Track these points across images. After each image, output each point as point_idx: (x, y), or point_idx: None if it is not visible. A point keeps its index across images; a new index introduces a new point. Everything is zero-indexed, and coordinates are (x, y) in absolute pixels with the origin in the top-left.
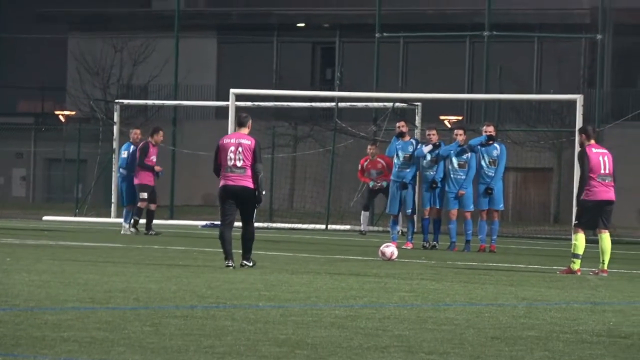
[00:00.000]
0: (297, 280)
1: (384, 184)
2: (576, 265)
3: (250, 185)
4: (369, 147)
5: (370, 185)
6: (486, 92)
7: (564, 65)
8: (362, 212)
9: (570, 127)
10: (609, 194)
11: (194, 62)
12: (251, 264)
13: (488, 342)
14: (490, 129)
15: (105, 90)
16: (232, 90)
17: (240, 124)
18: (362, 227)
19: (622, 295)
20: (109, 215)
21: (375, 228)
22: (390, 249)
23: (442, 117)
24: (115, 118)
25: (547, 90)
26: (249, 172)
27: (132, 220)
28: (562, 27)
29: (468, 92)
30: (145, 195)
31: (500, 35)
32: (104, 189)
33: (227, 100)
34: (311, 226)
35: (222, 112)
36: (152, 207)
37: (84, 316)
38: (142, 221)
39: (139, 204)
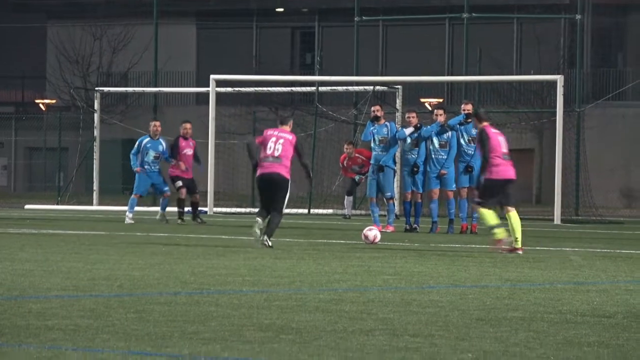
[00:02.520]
0: (281, 265)
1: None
2: (500, 234)
3: (284, 173)
4: (345, 146)
5: (356, 180)
6: (466, 74)
7: (543, 46)
8: (346, 196)
9: (551, 108)
10: (512, 172)
11: (173, 48)
12: (269, 244)
13: (472, 324)
14: (468, 107)
15: (85, 78)
16: (212, 76)
17: (281, 122)
18: (346, 211)
19: (605, 275)
20: (91, 203)
21: (359, 212)
22: (373, 232)
23: (422, 100)
24: (96, 106)
25: (527, 71)
26: (285, 162)
27: (177, 212)
28: (541, 7)
29: (448, 74)
30: (180, 183)
31: (479, 17)
32: (86, 177)
33: (207, 86)
34: (294, 211)
35: (203, 98)
36: (196, 198)
37: (68, 304)
38: (170, 209)
39: (180, 193)
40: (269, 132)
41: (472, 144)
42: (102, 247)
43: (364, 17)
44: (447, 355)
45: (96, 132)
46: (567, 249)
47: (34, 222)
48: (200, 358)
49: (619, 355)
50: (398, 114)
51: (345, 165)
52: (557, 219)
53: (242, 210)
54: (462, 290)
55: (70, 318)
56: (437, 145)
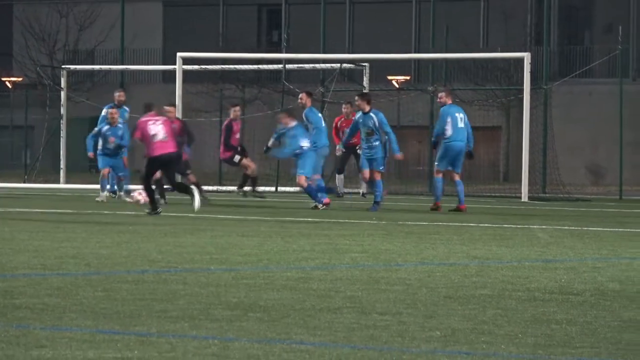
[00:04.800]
0: (248, 243)
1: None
2: None
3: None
4: (343, 106)
5: (337, 147)
6: (433, 52)
7: (510, 23)
8: (337, 175)
9: (518, 85)
10: None
11: (140, 26)
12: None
13: (441, 302)
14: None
15: (51, 56)
16: (179, 54)
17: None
18: (338, 190)
19: (573, 253)
20: (58, 182)
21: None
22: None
23: (389, 77)
24: (62, 84)
25: (495, 49)
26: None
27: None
28: None
29: (415, 52)
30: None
31: None
32: (52, 155)
33: (174, 63)
34: (260, 188)
35: (169, 76)
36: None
37: (35, 283)
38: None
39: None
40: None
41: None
42: (70, 226)
43: None
44: (416, 333)
45: (63, 110)
46: (535, 226)
47: (0, 200)
48: (168, 336)
49: (587, 333)
50: (365, 91)
51: (339, 126)
52: (524, 197)
53: (209, 188)
54: (430, 268)
55: (38, 297)
56: (363, 135)
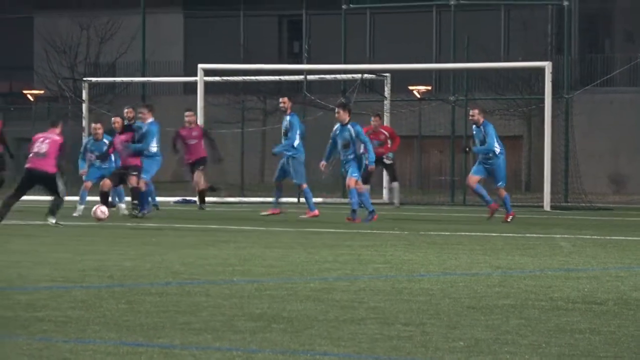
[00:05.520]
0: (271, 254)
1: (390, 155)
2: None
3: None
4: (372, 118)
5: (385, 160)
6: (454, 62)
7: (531, 32)
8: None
9: (539, 95)
10: None
11: (160, 38)
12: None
13: (464, 312)
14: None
15: (72, 68)
16: (200, 66)
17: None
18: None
19: (595, 262)
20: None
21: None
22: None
23: (410, 87)
24: (84, 96)
25: (515, 58)
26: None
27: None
28: None
29: (436, 62)
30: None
31: (466, 4)
32: (75, 167)
33: (195, 75)
34: (283, 199)
35: (191, 88)
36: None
37: (58, 295)
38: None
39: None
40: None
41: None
42: (91, 238)
43: (351, 5)
44: (439, 344)
45: (84, 123)
46: (557, 235)
47: (21, 213)
48: (191, 348)
49: (610, 342)
50: (387, 102)
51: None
52: (546, 206)
53: (232, 199)
54: (453, 278)
55: (61, 309)
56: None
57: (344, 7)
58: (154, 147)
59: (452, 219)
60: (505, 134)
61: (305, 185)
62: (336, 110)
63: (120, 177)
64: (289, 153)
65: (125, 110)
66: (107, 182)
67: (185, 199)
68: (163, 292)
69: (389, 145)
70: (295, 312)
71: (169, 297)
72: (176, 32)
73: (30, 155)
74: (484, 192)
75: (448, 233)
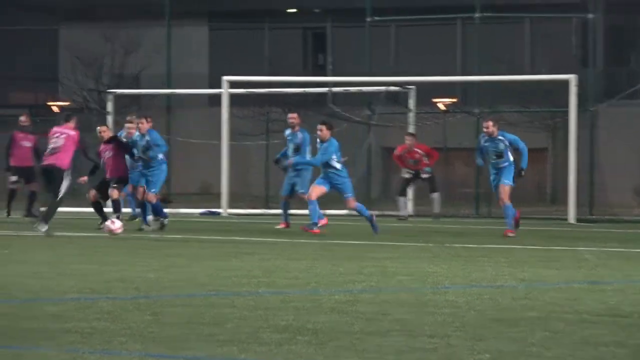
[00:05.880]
0: (296, 266)
1: (427, 169)
2: None
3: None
4: (406, 137)
5: (423, 175)
6: (479, 74)
7: (556, 45)
8: (399, 197)
9: (564, 107)
10: None
11: (185, 50)
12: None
13: (489, 324)
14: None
15: (97, 80)
16: (224, 78)
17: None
18: (400, 212)
19: (621, 274)
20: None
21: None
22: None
23: (435, 100)
24: (109, 108)
25: (540, 71)
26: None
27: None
28: (553, 6)
29: (461, 74)
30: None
31: (491, 17)
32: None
33: (220, 87)
34: (307, 211)
35: (215, 100)
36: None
37: (84, 307)
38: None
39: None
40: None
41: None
42: (115, 249)
43: (375, 18)
44: (464, 356)
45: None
46: (582, 248)
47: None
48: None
49: (636, 355)
50: (411, 114)
51: (402, 157)
52: (571, 218)
53: (256, 211)
54: (478, 291)
55: (87, 321)
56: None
57: (368, 19)
58: (160, 156)
59: (477, 232)
60: (530, 146)
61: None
62: (319, 128)
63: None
64: (300, 167)
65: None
66: (93, 193)
67: (211, 211)
68: (188, 303)
69: (425, 162)
70: (320, 324)
71: (194, 308)
72: (201, 44)
73: (47, 151)
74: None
75: (473, 245)
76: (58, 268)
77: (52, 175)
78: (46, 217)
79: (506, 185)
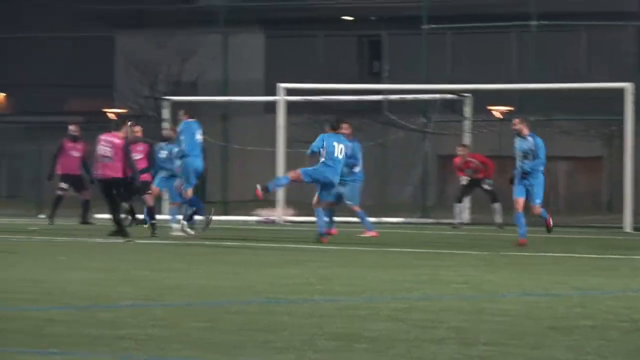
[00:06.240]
0: (352, 273)
1: (489, 181)
2: None
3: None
4: (458, 149)
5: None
6: (535, 82)
7: (612, 53)
8: (455, 204)
9: (620, 115)
10: None
11: (241, 57)
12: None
13: (544, 332)
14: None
15: (153, 87)
16: (280, 85)
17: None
18: (455, 220)
19: None
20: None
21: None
22: None
23: (491, 108)
24: (165, 115)
25: (596, 79)
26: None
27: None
28: (609, 14)
29: (516, 82)
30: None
31: (547, 25)
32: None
33: (276, 94)
34: (356, 219)
35: (271, 107)
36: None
37: (139, 313)
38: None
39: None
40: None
41: None
42: (172, 256)
43: (432, 25)
44: None
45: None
46: (638, 257)
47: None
48: None
49: None
50: (467, 122)
51: (461, 166)
52: (627, 227)
53: (312, 219)
54: (533, 299)
55: (142, 327)
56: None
57: (424, 27)
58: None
59: (532, 240)
60: (585, 154)
61: (358, 208)
62: (345, 126)
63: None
64: (349, 178)
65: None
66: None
67: (267, 218)
68: (244, 310)
69: (484, 171)
70: (376, 332)
71: (250, 315)
72: (257, 51)
73: (97, 161)
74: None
75: (528, 253)
76: (115, 275)
77: (111, 188)
78: (123, 231)
79: (537, 206)
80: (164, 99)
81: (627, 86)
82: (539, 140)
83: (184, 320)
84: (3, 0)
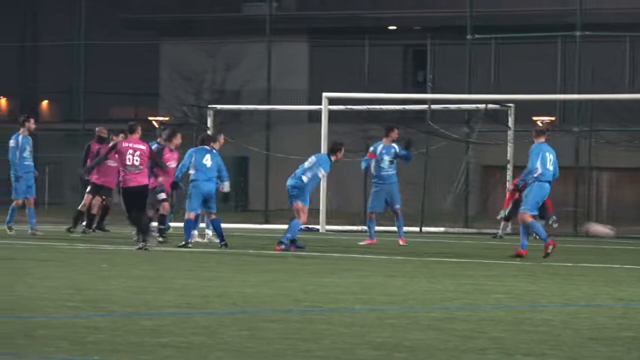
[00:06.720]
0: (393, 283)
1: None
2: None
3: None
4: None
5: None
6: (578, 92)
7: None
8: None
9: None
10: None
11: (285, 66)
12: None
13: (585, 343)
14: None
15: (198, 95)
16: (324, 94)
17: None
18: (500, 231)
19: None
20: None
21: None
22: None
23: (534, 118)
24: (209, 123)
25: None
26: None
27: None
28: None
29: (560, 93)
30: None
31: (591, 35)
32: None
33: (319, 103)
34: (405, 228)
35: (315, 116)
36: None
37: (181, 321)
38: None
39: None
40: (124, 144)
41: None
42: (214, 265)
43: (476, 35)
44: None
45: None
46: None
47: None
48: None
49: None
50: (510, 132)
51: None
52: None
53: (354, 228)
54: (575, 310)
55: (184, 335)
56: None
57: (468, 37)
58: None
59: (574, 250)
60: (631, 165)
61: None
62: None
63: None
64: (393, 180)
65: (98, 129)
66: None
67: (309, 227)
68: (284, 319)
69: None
70: (417, 341)
71: (291, 324)
72: (301, 60)
73: (125, 171)
74: (538, 227)
75: (570, 264)
76: (157, 283)
77: (143, 195)
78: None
79: (521, 212)
80: (207, 107)
81: None
82: (533, 147)
83: (225, 328)
84: (50, 8)
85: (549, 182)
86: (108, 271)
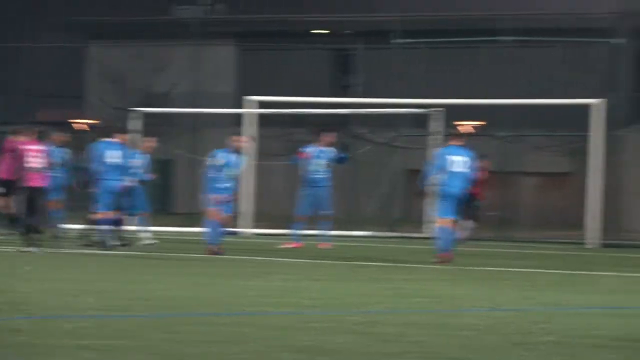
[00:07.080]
0: (316, 286)
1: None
2: None
3: None
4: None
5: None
6: (506, 97)
7: (582, 69)
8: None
9: (590, 131)
10: None
11: (213, 69)
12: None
13: (508, 348)
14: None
15: (125, 98)
16: (248, 97)
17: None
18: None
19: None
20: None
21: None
22: None
23: (459, 123)
24: (135, 126)
25: (567, 95)
26: None
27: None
28: (581, 31)
29: (488, 98)
30: None
31: (520, 41)
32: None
33: (246, 107)
34: (331, 232)
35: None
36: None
37: (102, 324)
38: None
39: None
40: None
41: None
42: (139, 268)
43: (402, 40)
44: None
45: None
46: (603, 273)
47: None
48: None
49: None
50: (433, 137)
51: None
52: (593, 243)
53: (280, 231)
54: (499, 314)
55: (104, 338)
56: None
57: (395, 41)
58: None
59: (499, 255)
60: (557, 170)
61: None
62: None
63: None
64: (325, 184)
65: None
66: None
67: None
68: (209, 322)
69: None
70: (339, 345)
71: (213, 327)
72: (228, 63)
73: (32, 168)
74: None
75: (496, 268)
76: (78, 285)
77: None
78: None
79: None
80: (133, 110)
81: (596, 102)
82: (440, 150)
83: (145, 331)
84: None
85: (457, 185)
86: (29, 273)
